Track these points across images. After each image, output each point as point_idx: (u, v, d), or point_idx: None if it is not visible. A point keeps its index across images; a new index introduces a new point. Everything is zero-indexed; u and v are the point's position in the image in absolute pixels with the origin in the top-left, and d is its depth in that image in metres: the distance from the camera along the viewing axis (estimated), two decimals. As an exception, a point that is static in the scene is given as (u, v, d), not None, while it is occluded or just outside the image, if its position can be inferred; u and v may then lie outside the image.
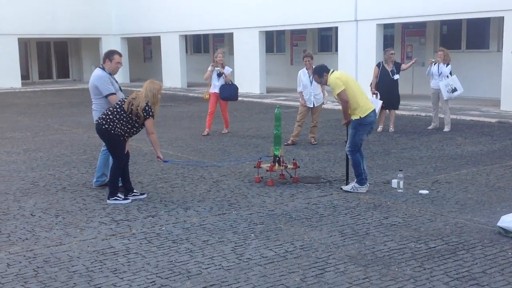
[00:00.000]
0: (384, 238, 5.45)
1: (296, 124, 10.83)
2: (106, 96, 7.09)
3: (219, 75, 11.73)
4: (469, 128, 12.37)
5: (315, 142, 10.74)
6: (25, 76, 29.01)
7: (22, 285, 4.51)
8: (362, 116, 7.02)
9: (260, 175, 7.86)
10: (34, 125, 13.86)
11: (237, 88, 12.04)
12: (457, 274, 4.55)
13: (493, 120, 13.26)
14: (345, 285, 4.39)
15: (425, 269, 4.66)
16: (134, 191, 7.06)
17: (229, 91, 11.80)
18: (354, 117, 7.09)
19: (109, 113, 6.74)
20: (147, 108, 6.66)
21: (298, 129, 10.78)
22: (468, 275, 4.53)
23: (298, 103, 11.28)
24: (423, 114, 14.60)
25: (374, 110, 7.17)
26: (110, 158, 7.11)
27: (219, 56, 11.84)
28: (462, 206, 6.48)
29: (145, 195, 7.08)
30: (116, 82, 7.32)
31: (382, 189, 7.32)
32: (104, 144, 7.24)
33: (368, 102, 7.19)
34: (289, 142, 10.66)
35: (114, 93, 7.12)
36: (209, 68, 11.88)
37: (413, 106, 16.15)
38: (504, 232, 5.42)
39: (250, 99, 19.62)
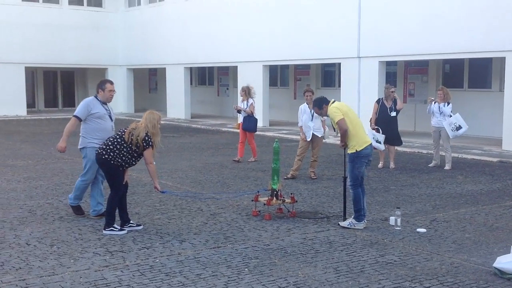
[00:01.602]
0: (379, 276, 5.41)
1: (296, 158, 10.87)
2: (73, 116, 7.47)
3: (239, 111, 13.05)
4: (470, 167, 12.36)
5: (315, 177, 10.74)
6: (31, 104, 29.26)
7: (11, 315, 4.48)
8: (359, 149, 7.05)
9: (257, 208, 7.85)
10: (36, 154, 13.93)
11: (256, 120, 12.96)
12: (450, 315, 4.51)
13: (495, 160, 13.25)
14: (337, 324, 4.35)
15: (418, 309, 4.62)
16: (131, 222, 7.05)
17: (248, 123, 12.85)
18: (350, 151, 7.11)
19: (109, 143, 6.79)
20: (146, 138, 6.71)
21: (298, 163, 10.81)
22: (462, 316, 4.49)
23: (299, 137, 11.36)
24: (424, 151, 14.60)
25: (371, 144, 7.21)
26: (100, 185, 7.43)
27: (240, 92, 13.26)
28: (459, 245, 6.43)
29: (141, 227, 7.07)
30: (109, 109, 7.60)
31: (380, 226, 7.29)
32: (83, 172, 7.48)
33: (365, 136, 7.23)
34: (289, 176, 10.68)
35: (79, 118, 7.41)
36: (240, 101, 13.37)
37: (415, 143, 16.17)
38: (500, 273, 5.37)
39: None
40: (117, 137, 6.77)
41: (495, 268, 5.45)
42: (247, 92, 12.91)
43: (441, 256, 6.02)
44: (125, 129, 6.81)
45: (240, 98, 13.40)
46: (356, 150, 7.08)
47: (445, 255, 6.07)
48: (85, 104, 7.48)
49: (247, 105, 12.88)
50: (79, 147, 7.56)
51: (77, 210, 7.67)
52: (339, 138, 7.28)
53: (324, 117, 8.28)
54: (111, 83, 7.63)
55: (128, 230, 6.87)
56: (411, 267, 5.66)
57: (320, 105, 7.45)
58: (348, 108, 7.37)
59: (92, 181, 7.56)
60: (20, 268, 5.55)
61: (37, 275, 5.36)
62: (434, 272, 5.53)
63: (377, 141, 11.05)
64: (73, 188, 7.71)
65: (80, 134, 7.53)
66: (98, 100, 7.54)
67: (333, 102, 7.34)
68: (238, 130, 13.47)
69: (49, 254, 5.98)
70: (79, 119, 7.44)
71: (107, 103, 7.58)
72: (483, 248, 6.33)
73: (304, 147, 10.86)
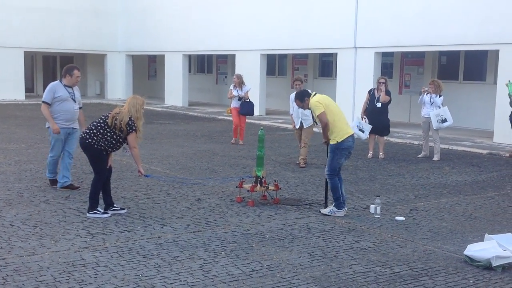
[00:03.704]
0: (351, 261, 5.53)
1: (299, 146, 11.24)
2: (42, 102, 8.26)
3: (240, 99, 13.64)
4: (458, 158, 12.45)
5: (304, 165, 10.82)
6: (29, 88, 29.32)
7: (-12, 292, 4.61)
8: (339, 140, 7.15)
9: (242, 195, 7.96)
10: (30, 138, 14.03)
11: (253, 105, 13.96)
12: (414, 299, 4.64)
13: (484, 152, 13.34)
14: (303, 305, 4.48)
15: (384, 293, 4.74)
16: (115, 205, 7.18)
17: (247, 108, 13.72)
18: (331, 142, 7.21)
19: (93, 127, 6.90)
20: (130, 123, 6.82)
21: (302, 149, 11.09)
22: (426, 301, 4.61)
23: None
24: (416, 142, 14.68)
25: (352, 135, 7.30)
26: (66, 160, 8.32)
27: (234, 79, 13.97)
28: (434, 233, 6.55)
29: (125, 210, 7.20)
30: (72, 92, 8.33)
31: (360, 213, 7.40)
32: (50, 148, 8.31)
33: (347, 127, 7.31)
34: (301, 163, 10.86)
35: (47, 103, 8.19)
36: (231, 88, 13.87)
37: (408, 134, 16.27)
38: (470, 260, 5.49)
39: (249, 120, 19.65)
40: (101, 121, 6.88)
41: (466, 255, 5.57)
42: (242, 80, 13.73)
43: (415, 243, 6.14)
44: (109, 113, 6.91)
45: (232, 85, 13.96)
46: (337, 141, 7.18)
47: (419, 242, 6.20)
48: (50, 89, 8.24)
49: (241, 91, 13.63)
50: (46, 126, 8.44)
51: (53, 182, 8.47)
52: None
53: (306, 109, 8.40)
54: (78, 69, 8.40)
55: (111, 214, 7.00)
56: (384, 253, 5.78)
57: (302, 98, 7.53)
58: (330, 100, 7.45)
59: (61, 157, 8.46)
60: (1, 248, 5.67)
61: (17, 254, 5.49)
62: (405, 258, 5.65)
63: (360, 130, 11.13)
64: (46, 165, 8.64)
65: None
66: (62, 84, 8.28)
67: (314, 95, 7.43)
68: (230, 116, 14.31)
69: (31, 235, 6.11)
70: (48, 104, 8.19)
71: (72, 87, 8.33)
72: (458, 237, 6.44)
73: (299, 134, 11.06)
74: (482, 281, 5.08)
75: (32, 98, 27.74)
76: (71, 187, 8.36)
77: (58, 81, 8.39)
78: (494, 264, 5.33)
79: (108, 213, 6.98)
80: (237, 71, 22.80)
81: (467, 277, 5.16)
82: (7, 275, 4.96)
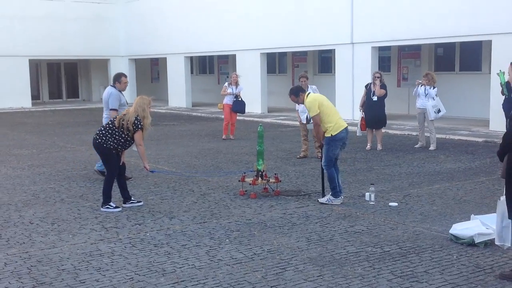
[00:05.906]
0: (345, 243, 6.00)
1: (302, 139, 11.82)
2: (110, 109, 9.13)
3: (236, 97, 14.72)
4: (454, 147, 12.88)
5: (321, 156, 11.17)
6: (35, 96, 29.91)
7: (16, 280, 5.10)
8: (334, 133, 7.65)
9: (245, 188, 8.44)
10: (40, 143, 14.56)
11: (245, 104, 15.07)
12: (401, 273, 5.10)
13: (480, 140, 13.76)
14: (300, 282, 4.96)
15: (374, 269, 5.21)
16: (132, 199, 7.75)
17: (239, 106, 14.89)
18: (326, 135, 7.71)
19: (103, 129, 7.48)
20: (136, 122, 7.35)
21: (305, 142, 11.70)
22: (411, 274, 5.08)
23: (297, 123, 12.11)
24: (414, 133, 15.09)
25: (346, 128, 7.78)
26: None
27: (233, 76, 15.04)
28: (425, 216, 7.01)
29: (141, 203, 7.81)
30: (123, 96, 9.43)
31: (356, 201, 7.87)
32: None
33: (341, 121, 7.80)
34: (301, 155, 11.64)
35: (115, 110, 9.07)
36: (226, 85, 15.03)
37: (406, 126, 16.69)
38: (455, 238, 5.95)
39: (251, 118, 20.22)
40: (110, 123, 7.49)
41: (451, 234, 6.02)
42: (238, 79, 14.93)
43: (405, 226, 6.60)
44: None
45: (227, 83, 15.11)
46: (331, 134, 7.68)
47: (409, 224, 6.65)
48: (115, 97, 9.19)
49: (236, 89, 14.69)
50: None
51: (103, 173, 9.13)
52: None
53: (300, 104, 8.96)
54: (126, 76, 9.49)
55: (129, 207, 7.61)
56: (376, 235, 6.24)
57: (296, 93, 8.06)
58: (323, 98, 7.99)
59: None
60: (24, 243, 6.17)
61: (38, 248, 5.99)
62: (396, 239, 6.11)
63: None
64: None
65: (104, 117, 9.38)
66: (117, 90, 9.28)
67: (308, 94, 7.94)
68: (221, 110, 15.51)
69: (50, 231, 6.61)
70: (117, 110, 9.05)
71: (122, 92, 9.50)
72: (447, 219, 6.89)
73: (303, 128, 11.68)
74: (465, 255, 5.54)
75: (38, 105, 28.33)
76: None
77: (114, 89, 9.24)
78: (477, 240, 5.78)
79: (119, 207, 7.50)
80: (238, 71, 23.30)
81: (451, 253, 5.62)
82: (31, 266, 5.45)
